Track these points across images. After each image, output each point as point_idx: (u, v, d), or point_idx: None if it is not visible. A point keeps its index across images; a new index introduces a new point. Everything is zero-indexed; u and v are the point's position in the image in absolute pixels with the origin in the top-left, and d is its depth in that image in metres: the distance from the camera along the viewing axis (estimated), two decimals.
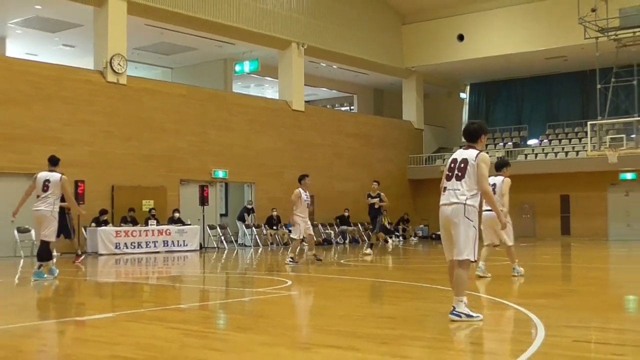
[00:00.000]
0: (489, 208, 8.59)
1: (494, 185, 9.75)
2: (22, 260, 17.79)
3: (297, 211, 15.36)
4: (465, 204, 6.91)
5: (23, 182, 19.99)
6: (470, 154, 7.10)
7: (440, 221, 7.22)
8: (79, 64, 23.39)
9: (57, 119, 20.48)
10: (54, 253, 13.25)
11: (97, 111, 21.37)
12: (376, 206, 19.14)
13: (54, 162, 11.80)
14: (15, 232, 19.34)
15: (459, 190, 7.02)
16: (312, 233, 16.34)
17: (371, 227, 20.92)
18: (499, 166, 11.43)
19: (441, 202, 7.17)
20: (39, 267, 11.55)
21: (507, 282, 10.97)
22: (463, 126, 37.88)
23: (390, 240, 26.14)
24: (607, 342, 6.10)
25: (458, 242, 6.95)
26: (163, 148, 22.85)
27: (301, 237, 15.37)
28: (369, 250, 19.69)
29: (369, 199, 19.11)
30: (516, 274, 11.18)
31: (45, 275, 11.59)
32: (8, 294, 10.91)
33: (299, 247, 16.60)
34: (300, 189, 15.55)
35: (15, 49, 25.57)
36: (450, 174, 7.14)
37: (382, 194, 19.00)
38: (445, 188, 7.15)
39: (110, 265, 16.66)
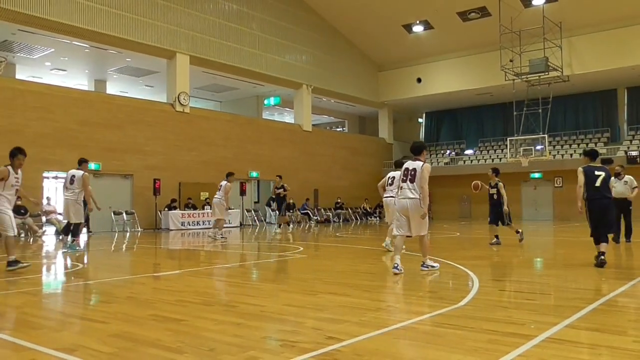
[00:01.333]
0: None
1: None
2: (115, 235, 17.68)
3: (223, 199, 13.70)
4: (418, 198, 7.09)
5: (119, 180, 20.01)
6: (417, 164, 7.25)
7: (398, 209, 7.29)
8: (157, 98, 23.33)
9: (142, 136, 20.40)
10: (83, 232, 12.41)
11: (169, 131, 21.27)
12: (281, 195, 16.88)
13: (80, 163, 11.06)
14: (112, 214, 19.28)
15: (413, 189, 7.15)
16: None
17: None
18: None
19: (400, 196, 7.29)
20: (73, 241, 10.79)
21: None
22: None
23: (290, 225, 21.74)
24: (521, 291, 5.95)
25: (418, 224, 7.13)
26: (215, 156, 22.76)
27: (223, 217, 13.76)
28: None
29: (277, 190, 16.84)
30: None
31: (77, 247, 10.87)
32: (106, 257, 10.79)
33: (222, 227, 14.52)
34: (228, 183, 13.88)
35: (112, 89, 25.50)
36: (404, 178, 7.26)
37: (285, 184, 16.81)
38: (402, 187, 7.28)
39: (177, 237, 16.56)
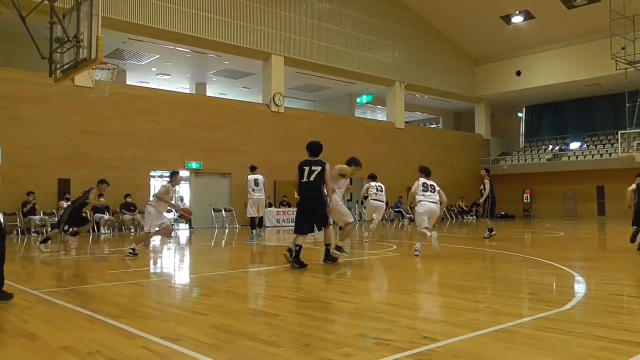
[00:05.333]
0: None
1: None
2: (215, 231, 18.50)
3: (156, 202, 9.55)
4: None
5: (218, 179, 20.95)
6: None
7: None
8: (253, 99, 24.15)
9: (240, 136, 21.19)
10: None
11: (265, 131, 21.92)
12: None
13: (253, 169, 13.19)
14: (212, 211, 20.18)
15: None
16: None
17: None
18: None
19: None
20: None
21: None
22: (521, 137, 36.26)
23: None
24: (635, 295, 5.45)
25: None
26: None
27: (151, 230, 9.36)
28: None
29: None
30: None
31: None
32: (207, 252, 11.33)
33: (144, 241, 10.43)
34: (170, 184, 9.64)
35: (211, 91, 26.77)
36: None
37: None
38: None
39: (274, 234, 17.03)
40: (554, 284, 6.21)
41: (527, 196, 30.61)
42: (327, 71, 24.26)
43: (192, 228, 18.63)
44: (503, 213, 29.15)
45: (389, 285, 6.20)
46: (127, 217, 17.32)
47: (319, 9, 23.56)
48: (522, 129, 34.38)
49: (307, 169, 7.44)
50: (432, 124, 36.26)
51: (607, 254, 9.50)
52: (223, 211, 20.51)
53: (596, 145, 29.90)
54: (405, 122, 28.74)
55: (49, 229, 14.45)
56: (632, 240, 10.98)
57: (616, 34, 22.48)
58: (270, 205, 21.26)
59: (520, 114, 34.68)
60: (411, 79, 27.38)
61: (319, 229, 7.62)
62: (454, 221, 26.09)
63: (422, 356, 3.11)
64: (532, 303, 5.05)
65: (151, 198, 10.53)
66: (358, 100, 29.25)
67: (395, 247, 11.13)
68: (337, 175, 8.32)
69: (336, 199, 8.10)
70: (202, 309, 4.69)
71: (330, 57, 23.75)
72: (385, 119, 28.54)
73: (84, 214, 12.06)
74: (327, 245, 7.81)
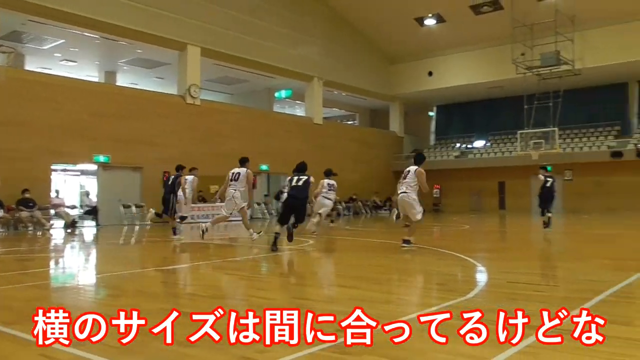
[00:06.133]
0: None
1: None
2: (125, 228, 17.76)
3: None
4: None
5: (128, 173, 20.07)
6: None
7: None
8: (168, 90, 23.31)
9: (153, 128, 20.43)
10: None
11: (180, 123, 21.30)
12: None
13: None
14: (121, 207, 19.27)
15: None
16: None
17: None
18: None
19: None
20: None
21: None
22: (432, 135, 37.69)
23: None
24: (531, 283, 5.88)
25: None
26: (226, 149, 22.71)
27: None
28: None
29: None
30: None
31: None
32: (116, 250, 10.85)
33: None
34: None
35: (122, 80, 25.57)
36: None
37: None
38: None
39: (187, 230, 16.62)
40: (459, 274, 6.55)
41: (436, 191, 31.96)
42: (246, 64, 23.96)
43: (98, 225, 17.71)
44: None
45: (305, 279, 6.25)
46: (24, 214, 15.94)
47: (239, 1, 23.18)
48: (433, 127, 35.85)
49: (296, 177, 9.48)
50: (349, 121, 36.94)
51: (507, 245, 10.17)
52: (133, 207, 19.66)
53: (498, 144, 31.84)
54: (324, 118, 29.06)
55: None
56: (546, 225, 12.67)
57: (517, 40, 24.04)
58: (202, 199, 20.69)
59: (431, 113, 36.12)
60: (330, 76, 27.70)
61: (295, 223, 9.38)
62: (368, 215, 26.79)
63: (336, 348, 3.17)
64: (440, 293, 5.30)
65: (233, 183, 11.11)
66: (277, 95, 29.17)
67: (312, 241, 11.24)
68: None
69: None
70: (109, 311, 4.48)
71: (249, 50, 23.47)
72: (304, 115, 28.69)
73: None
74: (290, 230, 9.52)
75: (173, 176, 12.49)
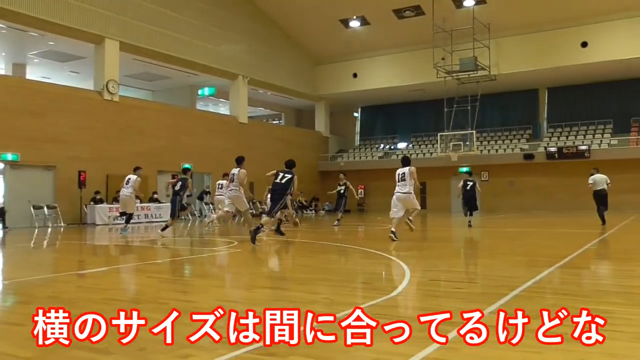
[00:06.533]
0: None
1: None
2: (36, 230, 16.71)
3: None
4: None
5: (39, 172, 18.90)
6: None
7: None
8: (83, 85, 22.26)
9: (66, 125, 19.40)
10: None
11: (96, 120, 20.36)
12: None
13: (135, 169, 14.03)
14: (31, 208, 18.20)
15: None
16: None
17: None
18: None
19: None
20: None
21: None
22: (357, 136, 38.32)
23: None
24: (450, 280, 6.12)
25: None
26: (145, 147, 22.00)
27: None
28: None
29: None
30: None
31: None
32: (26, 254, 10.18)
33: None
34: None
35: (33, 74, 24.07)
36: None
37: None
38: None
39: (104, 232, 15.90)
40: (384, 273, 6.70)
41: (361, 191, 32.58)
42: (168, 60, 23.30)
43: (7, 227, 16.56)
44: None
45: (229, 282, 6.15)
46: None
47: None
48: (358, 128, 36.55)
49: (281, 174, 10.07)
50: (275, 120, 36.88)
51: (429, 244, 10.54)
52: (45, 208, 18.55)
53: (420, 145, 32.97)
54: (249, 117, 28.82)
55: None
56: (470, 224, 13.42)
57: (437, 45, 25.01)
58: (101, 201, 19.80)
59: (356, 114, 36.84)
60: (255, 75, 27.51)
61: (270, 212, 10.21)
62: (294, 215, 26.79)
63: (261, 350, 3.13)
64: (365, 292, 5.39)
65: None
66: (200, 92, 28.59)
67: (236, 243, 11.09)
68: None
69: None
70: (17, 319, 4.18)
71: (171, 45, 22.83)
72: (228, 113, 28.30)
73: None
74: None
75: (180, 180, 13.41)
